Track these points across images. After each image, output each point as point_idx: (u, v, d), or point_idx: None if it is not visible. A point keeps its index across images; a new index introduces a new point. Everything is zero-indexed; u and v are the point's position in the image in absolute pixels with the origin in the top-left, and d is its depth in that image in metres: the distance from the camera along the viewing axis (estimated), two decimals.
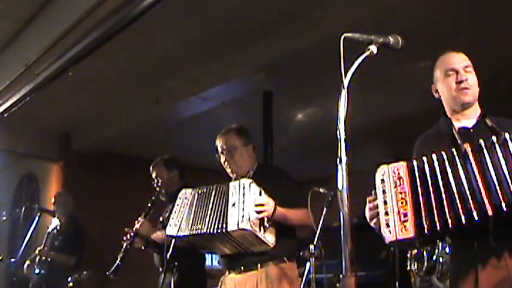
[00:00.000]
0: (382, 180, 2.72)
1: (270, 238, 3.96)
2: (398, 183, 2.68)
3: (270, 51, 6.49)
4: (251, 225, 3.85)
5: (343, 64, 2.34)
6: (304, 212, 3.96)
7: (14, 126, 8.73)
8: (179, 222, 4.16)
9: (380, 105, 7.98)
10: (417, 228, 2.55)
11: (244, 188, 3.94)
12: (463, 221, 2.48)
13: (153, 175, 5.57)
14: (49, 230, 6.86)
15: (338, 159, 2.29)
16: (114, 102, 8.24)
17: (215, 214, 4.00)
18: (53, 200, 7.45)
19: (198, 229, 4.05)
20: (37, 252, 6.97)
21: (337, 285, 5.91)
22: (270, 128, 6.83)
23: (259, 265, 4.03)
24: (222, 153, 4.36)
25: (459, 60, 3.03)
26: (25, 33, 6.34)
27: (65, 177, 9.74)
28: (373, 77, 6.09)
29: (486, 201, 2.46)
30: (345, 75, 2.34)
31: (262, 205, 3.86)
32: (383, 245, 5.23)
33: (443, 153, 2.62)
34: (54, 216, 6.82)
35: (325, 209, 3.47)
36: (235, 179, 4.34)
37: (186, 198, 4.23)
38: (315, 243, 3.29)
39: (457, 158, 2.59)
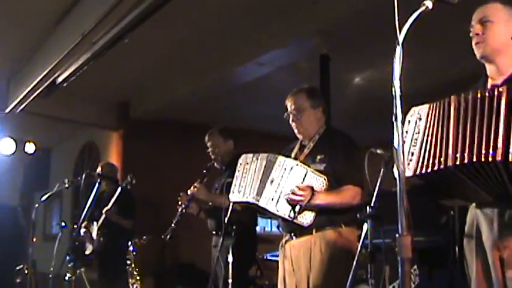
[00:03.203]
0: (409, 122, 2.79)
1: (303, 219, 3.97)
2: (417, 123, 2.75)
3: (326, 14, 6.38)
4: (276, 209, 3.87)
5: (398, 21, 2.28)
6: (351, 192, 3.98)
7: (74, 95, 8.86)
8: (243, 187, 4.17)
9: (437, 67, 7.82)
10: (416, 167, 2.65)
11: (285, 169, 3.93)
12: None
13: (209, 144, 5.64)
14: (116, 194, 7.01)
15: (393, 117, 2.24)
16: (171, 69, 8.26)
17: (255, 185, 4.01)
18: (99, 169, 7.57)
19: (246, 197, 4.08)
20: (103, 213, 7.13)
21: (395, 250, 5.86)
22: (328, 92, 6.75)
23: (314, 230, 4.03)
24: (291, 113, 4.34)
25: (477, 15, 2.96)
26: (81, 2, 6.37)
27: (124, 145, 9.85)
28: (430, 38, 5.97)
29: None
30: (400, 32, 2.28)
31: (297, 193, 3.87)
32: (443, 210, 5.17)
33: (461, 99, 2.63)
34: (116, 183, 6.94)
35: (382, 170, 3.42)
36: (302, 141, 4.34)
37: (247, 163, 4.23)
38: (372, 204, 3.23)
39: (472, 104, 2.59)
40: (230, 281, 4.66)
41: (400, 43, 2.27)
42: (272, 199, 3.90)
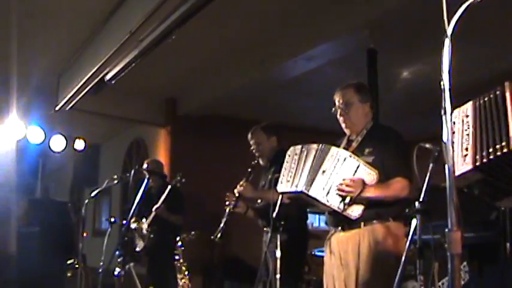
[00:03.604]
0: (454, 123, 2.70)
1: (352, 212, 3.95)
2: (464, 121, 2.70)
3: (374, 7, 6.33)
4: (326, 200, 3.85)
5: (447, 13, 2.25)
6: (400, 185, 3.95)
7: (122, 92, 8.95)
8: (291, 178, 4.16)
9: (485, 60, 7.70)
10: (474, 160, 2.56)
11: (338, 159, 3.91)
12: None
13: (252, 141, 5.64)
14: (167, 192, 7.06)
15: (442, 110, 2.22)
16: (219, 66, 8.29)
17: (305, 174, 4.00)
18: (145, 165, 7.63)
19: (295, 186, 4.07)
20: (154, 210, 7.19)
21: (445, 245, 5.80)
22: (375, 87, 6.70)
23: (362, 224, 4.02)
24: (339, 107, 4.34)
25: None
26: (128, 1, 6.43)
27: (172, 141, 9.92)
28: (478, 31, 5.88)
29: None
30: (448, 24, 2.25)
31: (348, 185, 3.85)
32: (493, 206, 5.09)
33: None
34: (164, 178, 7.00)
35: (431, 165, 3.38)
36: (350, 136, 4.33)
37: (296, 154, 4.22)
38: (420, 199, 3.20)
39: None
40: (278, 276, 4.64)
41: (449, 36, 2.24)
42: (323, 189, 3.88)
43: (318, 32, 6.99)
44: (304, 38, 7.13)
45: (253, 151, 5.71)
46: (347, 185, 3.85)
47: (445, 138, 2.21)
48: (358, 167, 3.93)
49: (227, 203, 5.50)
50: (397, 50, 7.46)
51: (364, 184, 3.88)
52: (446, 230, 2.15)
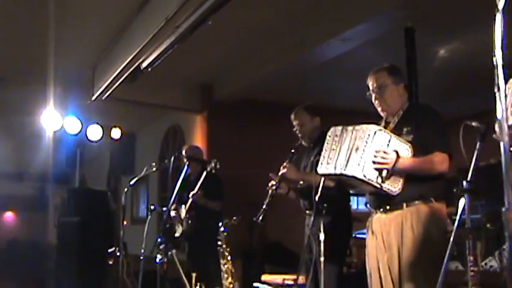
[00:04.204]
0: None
1: (391, 186, 3.93)
2: None
3: None
4: (363, 175, 3.82)
5: None
6: (439, 158, 3.92)
7: (158, 79, 8.96)
8: (331, 159, 4.14)
9: None
10: None
11: (369, 134, 3.89)
12: None
13: (295, 122, 5.59)
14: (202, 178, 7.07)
15: (496, 87, 2.17)
16: (254, 50, 8.26)
17: (342, 155, 3.99)
18: (184, 152, 7.64)
19: (334, 168, 4.06)
20: (190, 196, 7.21)
21: (487, 226, 5.74)
22: (414, 66, 6.62)
23: (404, 204, 3.99)
24: (373, 91, 4.33)
25: None
26: None
27: (208, 127, 9.93)
28: None
29: None
30: None
31: (382, 157, 3.82)
32: None
33: None
34: (203, 165, 6.99)
35: (478, 144, 3.33)
36: (386, 118, 4.31)
37: (336, 135, 4.21)
38: (468, 179, 3.15)
39: None
40: (322, 259, 4.63)
41: (501, 10, 2.19)
42: (358, 165, 3.86)
43: (354, 13, 6.92)
44: (340, 19, 7.07)
45: (296, 132, 5.67)
46: (381, 157, 3.84)
47: (499, 116, 2.17)
48: (389, 140, 3.93)
49: (269, 184, 5.48)
50: (434, 28, 7.36)
51: (398, 155, 3.85)
52: (504, 209, 2.11)
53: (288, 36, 7.72)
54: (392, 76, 4.32)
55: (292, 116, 5.71)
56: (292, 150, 5.55)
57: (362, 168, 3.87)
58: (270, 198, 5.41)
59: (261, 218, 5.35)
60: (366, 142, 3.89)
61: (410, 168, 3.92)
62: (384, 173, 3.87)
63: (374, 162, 3.86)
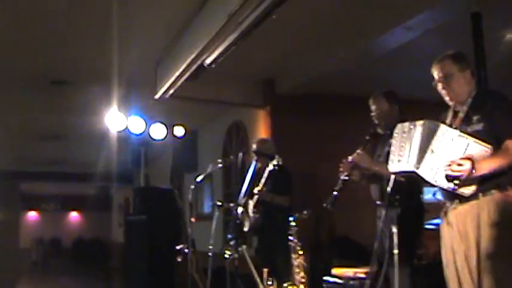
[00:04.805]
0: None
1: (464, 190, 3.87)
2: None
3: None
4: (435, 181, 3.81)
5: None
6: None
7: (220, 76, 8.98)
8: (401, 156, 4.09)
9: None
10: None
11: (446, 139, 3.83)
12: None
13: (373, 108, 5.51)
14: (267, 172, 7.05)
15: None
16: (315, 42, 8.20)
17: (414, 153, 3.92)
18: (254, 146, 7.63)
19: (405, 166, 4.01)
20: (256, 193, 7.20)
21: None
22: (481, 52, 6.47)
23: (480, 194, 3.91)
24: (439, 81, 4.25)
25: None
26: None
27: (271, 122, 9.91)
28: None
29: None
30: None
31: (456, 170, 3.74)
32: None
33: None
34: (272, 160, 6.98)
35: None
36: (454, 107, 4.24)
37: (404, 132, 4.14)
38: None
39: None
40: (396, 251, 4.57)
41: None
42: (431, 169, 3.81)
43: (417, 0, 6.80)
44: (404, 7, 6.94)
45: (373, 118, 5.58)
46: (457, 165, 3.76)
47: None
48: (468, 146, 3.84)
49: (341, 170, 5.42)
50: (501, 11, 7.19)
51: (473, 164, 3.76)
52: None
53: (350, 27, 7.63)
54: (457, 64, 4.24)
55: (370, 101, 5.61)
56: (367, 138, 5.48)
57: (434, 173, 3.83)
58: (341, 185, 5.36)
59: (330, 204, 5.30)
60: (443, 147, 3.83)
61: (488, 172, 3.83)
62: (456, 181, 3.80)
63: (448, 170, 3.79)
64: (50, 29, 7.82)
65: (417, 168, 3.86)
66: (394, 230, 4.59)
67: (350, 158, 5.40)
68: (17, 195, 23.30)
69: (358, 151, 5.36)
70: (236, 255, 6.61)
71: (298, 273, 6.19)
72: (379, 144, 5.60)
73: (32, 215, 33.88)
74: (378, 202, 5.48)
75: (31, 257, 30.99)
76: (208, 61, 7.39)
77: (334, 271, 7.00)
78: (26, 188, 25.27)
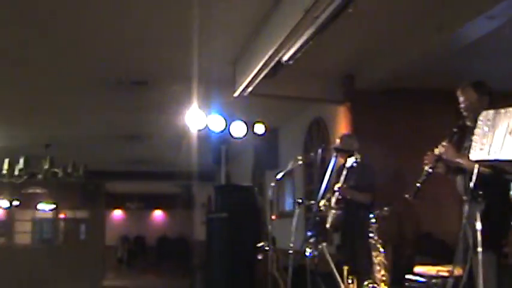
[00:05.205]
0: None
1: None
2: None
3: None
4: None
5: None
6: None
7: (299, 72, 8.91)
8: (484, 145, 3.97)
9: None
10: None
11: None
12: None
13: (461, 99, 5.36)
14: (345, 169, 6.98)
15: None
16: (394, 36, 8.03)
17: (497, 140, 3.80)
18: (338, 141, 7.55)
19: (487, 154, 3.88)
20: (336, 190, 7.13)
21: None
22: None
23: None
24: None
25: None
26: None
27: (352, 118, 9.79)
28: None
29: None
30: None
31: None
32: None
33: None
34: (351, 156, 6.90)
35: None
36: None
37: (488, 120, 4.02)
38: None
39: None
40: (480, 249, 4.43)
41: None
42: None
43: None
44: None
45: (461, 110, 5.43)
46: None
47: None
48: None
49: (425, 162, 5.31)
50: None
51: None
52: None
53: (429, 19, 7.42)
54: None
55: (458, 92, 5.47)
56: (454, 130, 5.34)
57: None
58: (425, 177, 5.26)
59: (413, 195, 5.21)
60: None
61: None
62: None
63: None
64: (130, 30, 7.94)
65: (498, 154, 3.74)
66: (478, 226, 4.45)
67: (435, 151, 5.30)
68: (103, 194, 23.84)
69: (444, 143, 5.23)
70: (316, 253, 6.56)
71: (379, 271, 6.11)
72: (466, 136, 5.43)
73: (117, 213, 34.72)
74: (464, 197, 5.33)
75: (116, 254, 31.77)
76: (285, 58, 7.33)
77: (417, 269, 6.86)
78: (110, 187, 25.83)
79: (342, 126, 10.07)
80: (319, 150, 6.62)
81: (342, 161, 7.30)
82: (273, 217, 8.30)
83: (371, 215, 5.98)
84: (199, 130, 10.29)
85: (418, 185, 5.25)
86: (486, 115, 4.03)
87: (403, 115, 9.74)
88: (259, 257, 8.74)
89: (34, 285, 18.25)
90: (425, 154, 5.42)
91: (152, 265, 30.43)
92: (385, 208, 5.95)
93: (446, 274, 6.00)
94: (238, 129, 10.26)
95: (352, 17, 6.25)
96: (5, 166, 15.31)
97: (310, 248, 6.59)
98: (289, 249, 7.34)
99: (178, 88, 10.09)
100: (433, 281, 6.35)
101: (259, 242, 8.70)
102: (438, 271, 6.36)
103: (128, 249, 32.70)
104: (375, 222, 6.09)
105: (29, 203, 22.93)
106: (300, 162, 7.76)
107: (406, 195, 5.24)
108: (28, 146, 15.79)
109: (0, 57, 8.93)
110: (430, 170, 5.26)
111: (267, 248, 8.38)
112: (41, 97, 11.52)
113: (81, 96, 11.34)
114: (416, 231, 9.38)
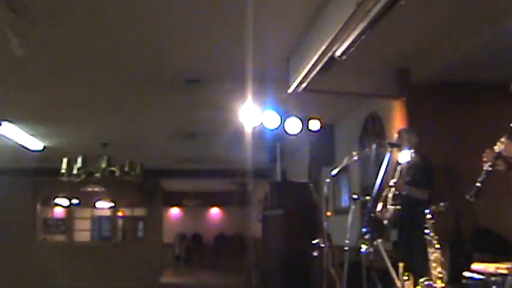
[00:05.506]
0: None
1: None
2: None
3: None
4: None
5: None
6: None
7: (353, 67, 8.83)
8: None
9: None
10: None
11: None
12: None
13: None
14: (401, 164, 6.89)
15: None
16: (450, 27, 7.87)
17: None
18: (396, 136, 7.46)
19: None
20: (392, 186, 7.05)
21: None
22: None
23: None
24: None
25: None
26: None
27: (408, 113, 9.65)
28: None
29: None
30: None
31: None
32: None
33: None
34: (407, 151, 6.82)
35: None
36: None
37: None
38: None
39: None
40: None
41: None
42: None
43: None
44: None
45: None
46: None
47: None
48: None
49: (484, 159, 5.19)
50: None
51: None
52: None
53: (486, 9, 7.25)
54: None
55: None
56: None
57: None
58: (485, 176, 5.14)
59: (474, 196, 5.10)
60: None
61: None
62: None
63: None
64: (183, 29, 7.97)
65: None
66: None
67: (494, 148, 5.18)
68: (160, 192, 24.13)
69: (502, 139, 5.11)
70: (371, 249, 6.48)
71: (435, 268, 6.00)
72: None
73: (174, 211, 35.03)
74: None
75: (174, 251, 32.07)
76: (338, 53, 7.25)
77: (474, 266, 6.71)
78: (167, 185, 26.07)
79: (397, 121, 9.94)
80: (374, 146, 6.54)
81: (397, 156, 7.21)
82: (329, 213, 8.24)
83: (427, 211, 5.88)
84: (254, 127, 10.28)
85: (478, 184, 5.13)
86: None
87: (461, 109, 9.56)
88: (315, 254, 8.70)
89: (93, 281, 18.56)
90: (482, 148, 5.31)
91: (209, 262, 30.64)
92: (441, 203, 5.83)
93: (505, 272, 5.84)
94: (293, 125, 10.21)
95: (405, 9, 6.14)
96: (64, 165, 15.56)
97: (365, 245, 6.51)
98: (344, 246, 7.29)
99: (232, 85, 10.09)
100: (492, 278, 6.18)
101: (315, 238, 8.66)
102: (497, 268, 6.20)
103: (186, 246, 33.00)
104: (431, 218, 5.98)
105: (87, 201, 23.38)
106: (355, 157, 7.68)
107: (467, 196, 5.13)
108: (85, 145, 16.04)
109: (59, 58, 9.05)
110: (490, 169, 5.15)
111: (322, 245, 8.34)
112: (98, 97, 11.68)
113: (136, 95, 11.45)
114: (474, 226, 9.21)
